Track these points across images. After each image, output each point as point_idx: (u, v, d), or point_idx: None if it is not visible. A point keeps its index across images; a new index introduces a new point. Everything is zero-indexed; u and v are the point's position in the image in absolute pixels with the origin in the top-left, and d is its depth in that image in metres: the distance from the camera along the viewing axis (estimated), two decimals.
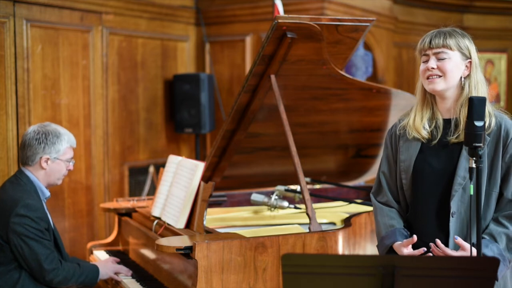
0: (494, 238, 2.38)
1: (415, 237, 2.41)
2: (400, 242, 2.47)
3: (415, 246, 2.45)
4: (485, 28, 7.04)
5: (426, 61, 2.47)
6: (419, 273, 1.82)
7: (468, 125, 2.22)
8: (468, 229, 2.37)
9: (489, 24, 7.17)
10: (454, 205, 2.39)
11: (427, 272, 1.83)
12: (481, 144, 2.20)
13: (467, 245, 2.33)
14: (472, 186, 2.21)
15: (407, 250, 2.44)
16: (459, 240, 2.35)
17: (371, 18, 3.35)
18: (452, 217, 2.39)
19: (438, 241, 2.37)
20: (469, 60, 2.46)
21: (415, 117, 2.52)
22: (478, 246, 2.21)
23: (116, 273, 3.37)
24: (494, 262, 1.85)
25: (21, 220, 3.01)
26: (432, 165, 2.45)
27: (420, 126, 2.49)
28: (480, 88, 2.45)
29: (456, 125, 2.45)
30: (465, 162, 2.39)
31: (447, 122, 2.48)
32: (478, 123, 2.21)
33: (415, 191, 2.49)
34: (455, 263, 1.90)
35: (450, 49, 2.43)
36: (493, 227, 2.40)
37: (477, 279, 1.82)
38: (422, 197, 2.47)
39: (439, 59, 2.44)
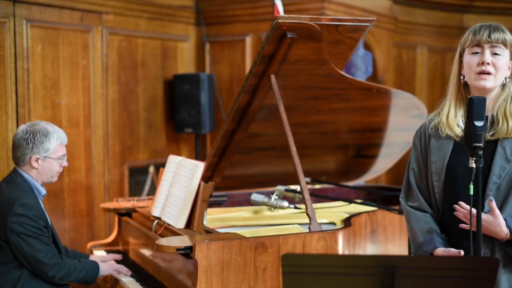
0: None
1: (462, 252, 2.29)
2: (443, 249, 2.36)
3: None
4: None
5: (477, 54, 2.37)
6: (419, 273, 1.82)
7: (468, 125, 2.20)
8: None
9: None
10: (488, 206, 2.31)
11: (427, 272, 1.83)
12: (481, 144, 2.19)
13: (498, 212, 2.27)
14: (472, 186, 2.20)
15: None
16: (493, 204, 2.27)
17: (371, 18, 3.35)
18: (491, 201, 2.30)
19: (461, 203, 2.28)
20: None
21: (449, 114, 2.43)
22: (478, 248, 2.20)
23: (116, 271, 3.38)
24: (494, 262, 1.85)
25: (19, 219, 3.01)
26: (466, 164, 2.32)
27: (454, 123, 2.41)
28: None
29: (492, 123, 2.37)
30: (501, 160, 2.34)
31: None
32: (478, 123, 2.19)
33: (448, 192, 2.41)
34: (455, 263, 1.90)
35: (506, 46, 2.37)
36: None
37: (477, 279, 1.82)
38: (456, 198, 2.37)
39: (493, 54, 2.36)
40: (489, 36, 2.35)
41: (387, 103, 3.84)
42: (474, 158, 2.18)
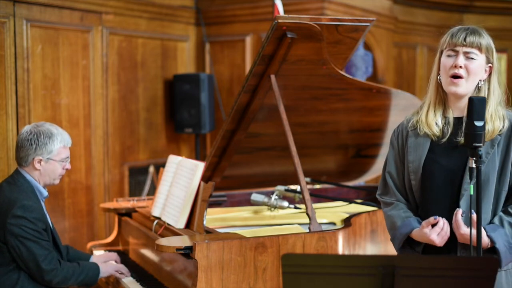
0: (502, 224, 2.36)
1: (438, 217, 2.32)
2: (418, 228, 2.38)
3: (432, 248, 2.38)
4: (485, 28, 7.02)
5: (452, 56, 2.40)
6: (419, 273, 1.82)
7: (468, 125, 2.22)
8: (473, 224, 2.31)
9: (489, 24, 7.14)
10: (463, 205, 2.35)
11: (427, 272, 1.83)
12: (481, 144, 2.20)
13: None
14: (472, 186, 2.21)
15: (428, 229, 2.34)
16: (474, 217, 2.26)
17: (371, 18, 3.35)
18: (462, 216, 2.34)
19: (457, 213, 2.31)
20: (489, 64, 2.44)
21: (428, 112, 2.47)
22: (478, 246, 2.21)
23: (118, 271, 3.38)
24: (494, 262, 1.85)
25: (18, 221, 3.00)
26: (442, 164, 2.41)
27: (433, 122, 2.44)
28: (496, 94, 2.43)
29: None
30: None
31: (458, 120, 2.44)
32: (478, 123, 2.20)
33: (425, 191, 2.44)
34: (455, 263, 1.90)
35: (480, 51, 2.39)
36: (502, 214, 2.37)
37: (477, 279, 1.82)
38: (432, 197, 2.42)
39: (467, 58, 2.39)
40: (465, 39, 2.38)
41: (387, 103, 3.85)
42: (474, 158, 2.19)
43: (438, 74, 2.47)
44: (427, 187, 2.44)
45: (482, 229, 2.29)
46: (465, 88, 2.40)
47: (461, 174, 2.37)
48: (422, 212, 2.49)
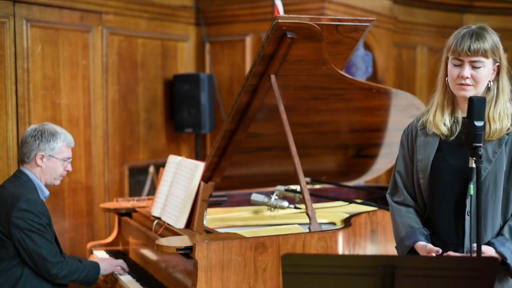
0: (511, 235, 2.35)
1: (440, 250, 2.35)
2: (423, 243, 2.40)
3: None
4: None
5: (459, 66, 2.38)
6: (419, 273, 1.82)
7: (468, 125, 2.22)
8: (483, 228, 2.32)
9: (489, 24, 7.13)
10: (469, 203, 2.35)
11: (427, 272, 1.83)
12: (481, 144, 2.20)
13: (484, 248, 2.29)
14: (472, 186, 2.21)
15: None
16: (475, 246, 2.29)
17: (371, 18, 3.35)
18: (468, 215, 2.35)
19: (450, 253, 2.36)
20: (498, 64, 2.41)
21: (436, 113, 2.47)
22: (478, 245, 2.21)
23: (118, 267, 3.40)
24: (494, 262, 1.85)
25: (24, 215, 3.02)
26: (450, 163, 2.41)
27: (440, 122, 2.44)
28: (506, 92, 2.42)
29: None
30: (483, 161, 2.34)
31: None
32: (478, 123, 2.20)
33: (433, 189, 2.45)
34: (455, 263, 1.90)
35: (486, 57, 2.35)
36: (511, 224, 2.37)
37: (477, 279, 1.82)
38: (439, 196, 2.43)
39: (474, 67, 2.36)
40: (469, 49, 2.34)
41: (387, 103, 3.84)
42: (474, 158, 2.20)
43: (446, 75, 2.45)
44: (435, 185, 2.44)
45: (491, 248, 2.30)
46: (474, 92, 2.38)
47: (468, 175, 2.33)
48: (430, 211, 2.49)
